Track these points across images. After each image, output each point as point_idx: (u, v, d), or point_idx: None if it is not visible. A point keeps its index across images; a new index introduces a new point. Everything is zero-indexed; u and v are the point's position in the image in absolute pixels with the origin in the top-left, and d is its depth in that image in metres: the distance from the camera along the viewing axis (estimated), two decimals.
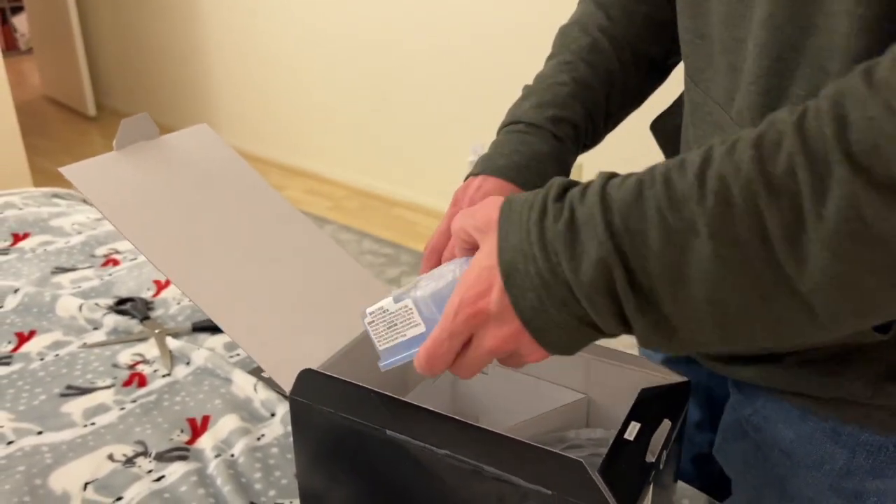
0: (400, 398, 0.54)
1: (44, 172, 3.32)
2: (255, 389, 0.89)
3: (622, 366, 0.62)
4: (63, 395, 0.89)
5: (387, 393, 0.54)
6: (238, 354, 0.98)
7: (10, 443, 0.81)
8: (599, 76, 0.72)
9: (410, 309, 0.51)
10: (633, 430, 0.51)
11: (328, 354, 0.64)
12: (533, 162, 0.68)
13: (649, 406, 0.54)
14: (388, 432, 0.53)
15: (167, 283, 1.14)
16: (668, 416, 0.53)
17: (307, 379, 0.57)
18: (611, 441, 0.50)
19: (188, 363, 0.96)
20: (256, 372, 0.93)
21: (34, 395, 0.89)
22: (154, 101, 4.21)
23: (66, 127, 4.12)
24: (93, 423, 0.84)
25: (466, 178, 0.69)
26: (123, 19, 4.18)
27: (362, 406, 0.55)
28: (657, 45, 0.74)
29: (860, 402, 0.56)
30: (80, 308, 1.04)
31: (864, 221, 0.34)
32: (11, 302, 1.07)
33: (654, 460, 0.49)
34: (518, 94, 0.74)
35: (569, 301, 0.42)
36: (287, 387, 0.59)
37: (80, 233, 1.31)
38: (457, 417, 0.50)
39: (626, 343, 0.50)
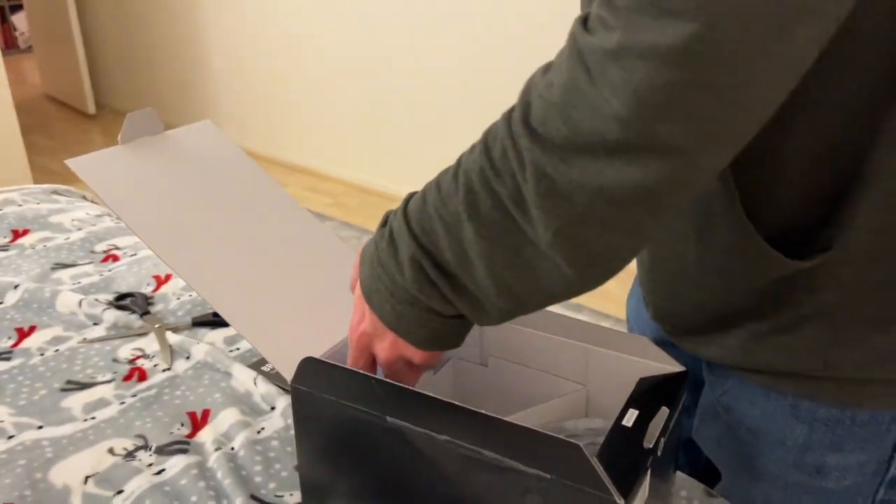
0: (400, 385, 0.54)
1: (44, 171, 3.32)
2: (255, 383, 0.89)
3: (620, 355, 0.62)
4: (63, 390, 0.89)
5: (387, 380, 0.54)
6: (238, 349, 0.98)
7: (10, 437, 0.81)
8: None
9: None
10: (632, 417, 0.51)
11: (330, 345, 0.64)
12: None
13: (647, 394, 0.54)
14: (389, 419, 0.53)
15: (167, 278, 1.15)
16: (666, 404, 0.54)
17: (309, 367, 0.58)
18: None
19: (188, 357, 0.96)
20: (256, 366, 0.93)
21: (34, 389, 0.89)
22: (154, 98, 4.21)
23: (66, 125, 4.12)
24: (93, 418, 0.84)
25: None
26: (123, 17, 4.18)
27: (363, 393, 0.55)
28: None
29: (813, 375, 0.58)
30: (80, 303, 1.04)
31: (551, 178, 0.42)
32: (11, 298, 1.07)
33: (651, 446, 0.49)
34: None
35: (412, 300, 0.51)
36: (289, 376, 0.59)
37: (79, 229, 1.31)
38: (456, 403, 0.50)
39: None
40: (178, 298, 1.09)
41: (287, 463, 0.78)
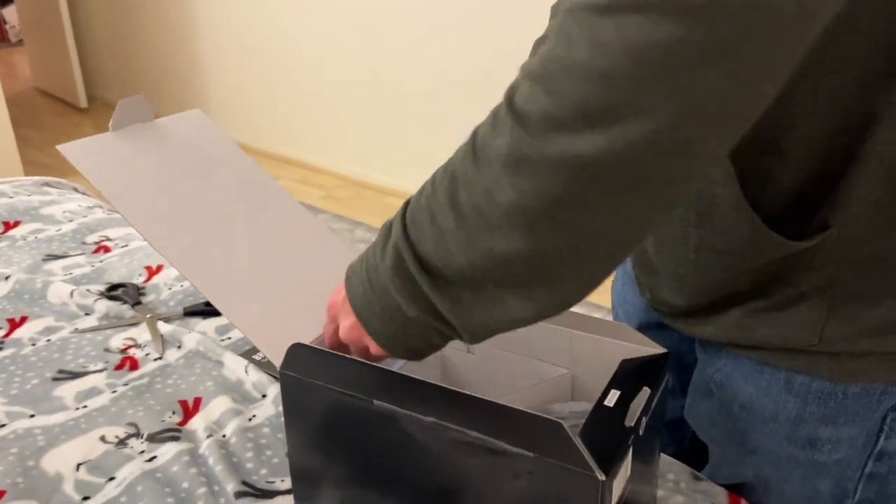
0: (386, 368, 0.55)
1: (35, 164, 3.31)
2: (246, 372, 0.90)
3: (604, 339, 0.63)
4: (55, 380, 0.89)
5: (374, 364, 0.55)
6: (229, 338, 0.99)
7: (2, 426, 0.81)
8: None
9: None
10: (613, 397, 0.52)
11: (319, 333, 0.65)
12: None
13: (629, 375, 0.55)
14: (376, 402, 0.54)
15: (158, 269, 1.15)
16: (648, 385, 0.55)
17: (297, 353, 0.58)
18: None
19: (179, 347, 0.96)
20: (248, 355, 0.93)
21: (26, 379, 0.89)
22: (146, 91, 4.18)
23: (58, 118, 4.11)
24: (85, 406, 0.85)
25: None
26: (114, 10, 4.17)
27: (350, 378, 0.56)
28: None
29: (808, 350, 0.59)
30: (72, 294, 1.05)
31: (525, 154, 0.42)
32: (3, 289, 1.07)
33: (632, 425, 0.50)
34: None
35: (383, 290, 0.51)
36: (279, 364, 0.60)
37: (71, 220, 1.31)
38: (442, 385, 0.51)
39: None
40: (170, 289, 1.10)
41: (278, 449, 0.79)
